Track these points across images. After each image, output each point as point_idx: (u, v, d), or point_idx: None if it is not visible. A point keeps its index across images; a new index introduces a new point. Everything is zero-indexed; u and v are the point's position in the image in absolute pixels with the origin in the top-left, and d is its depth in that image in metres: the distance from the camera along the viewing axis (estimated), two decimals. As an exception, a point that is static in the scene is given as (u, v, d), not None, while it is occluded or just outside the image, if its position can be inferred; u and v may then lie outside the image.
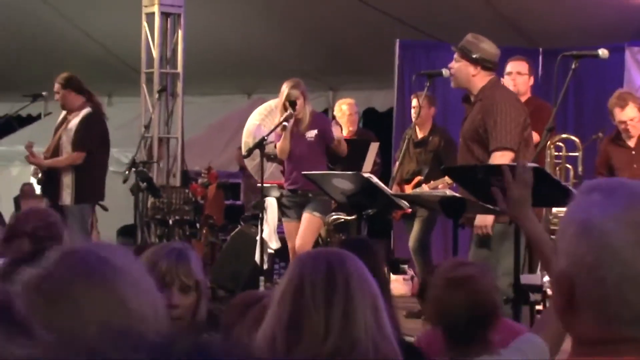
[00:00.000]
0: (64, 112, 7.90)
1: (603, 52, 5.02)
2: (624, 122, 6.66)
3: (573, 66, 4.97)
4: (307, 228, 6.95)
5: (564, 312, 1.48)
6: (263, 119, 8.91)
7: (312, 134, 7.09)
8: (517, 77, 6.71)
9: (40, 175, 7.76)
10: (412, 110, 7.95)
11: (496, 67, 5.57)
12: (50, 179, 7.66)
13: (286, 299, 2.13)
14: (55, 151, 7.69)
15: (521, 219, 3.01)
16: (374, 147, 7.99)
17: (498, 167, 4.84)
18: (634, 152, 6.72)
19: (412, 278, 8.72)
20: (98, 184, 7.78)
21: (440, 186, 7.32)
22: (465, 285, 2.78)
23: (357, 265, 2.21)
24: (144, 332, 1.39)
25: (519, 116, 5.32)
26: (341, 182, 5.49)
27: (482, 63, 5.39)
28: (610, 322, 1.42)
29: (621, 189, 1.47)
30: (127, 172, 8.00)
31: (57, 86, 7.73)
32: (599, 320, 1.43)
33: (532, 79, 6.90)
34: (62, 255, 1.49)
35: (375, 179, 5.30)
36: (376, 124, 11.17)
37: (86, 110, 7.68)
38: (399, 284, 8.46)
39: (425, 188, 7.59)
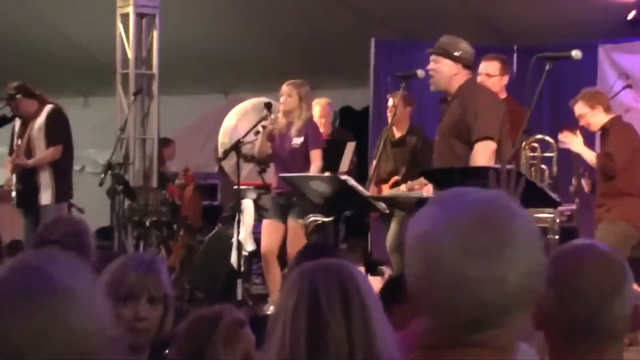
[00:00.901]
0: (18, 122, 7.86)
1: (576, 54, 5.05)
2: (578, 119, 6.89)
3: (547, 67, 4.99)
4: (295, 236, 6.96)
5: (415, 319, 1.55)
6: (239, 119, 8.92)
7: (298, 141, 7.08)
8: (486, 78, 6.67)
9: (15, 183, 7.71)
10: (388, 110, 7.96)
11: (472, 67, 5.63)
12: (26, 183, 7.64)
13: (301, 315, 2.06)
14: (27, 155, 7.68)
15: None
16: (350, 147, 8.00)
17: (474, 170, 4.88)
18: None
19: (389, 277, 8.75)
20: (71, 181, 7.83)
21: (416, 187, 7.35)
22: None
23: (362, 275, 2.19)
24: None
25: (498, 110, 5.38)
26: (318, 185, 5.51)
27: (462, 61, 5.43)
28: (445, 327, 1.49)
29: (455, 199, 1.53)
30: (103, 175, 7.98)
31: (16, 100, 7.65)
32: (436, 326, 1.50)
33: (505, 78, 6.89)
34: (7, 268, 1.46)
35: (352, 181, 5.32)
36: (353, 122, 11.18)
37: (50, 107, 7.73)
38: (376, 283, 8.47)
39: (402, 188, 7.62)
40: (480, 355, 1.48)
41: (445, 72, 5.45)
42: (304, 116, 7.09)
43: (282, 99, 7.11)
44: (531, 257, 1.49)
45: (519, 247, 1.47)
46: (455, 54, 5.42)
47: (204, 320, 2.49)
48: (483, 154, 5.19)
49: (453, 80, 5.45)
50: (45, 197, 7.57)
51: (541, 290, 1.53)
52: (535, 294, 1.51)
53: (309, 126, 7.25)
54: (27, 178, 7.65)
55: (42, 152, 7.66)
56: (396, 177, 7.81)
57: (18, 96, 7.60)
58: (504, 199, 1.54)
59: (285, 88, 7.13)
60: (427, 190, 6.22)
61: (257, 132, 7.14)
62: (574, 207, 7.39)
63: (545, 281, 2.00)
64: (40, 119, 7.67)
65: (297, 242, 7.01)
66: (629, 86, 8.43)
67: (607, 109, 6.89)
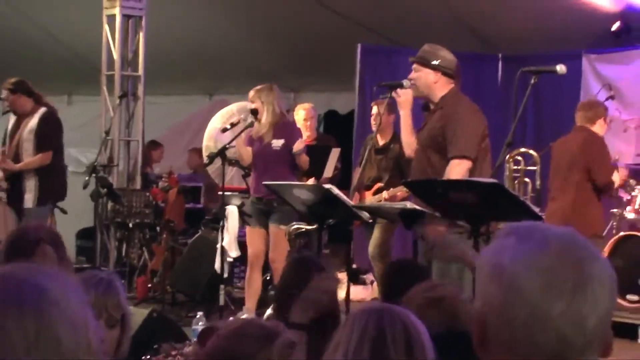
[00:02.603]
0: (13, 118, 7.87)
1: (561, 68, 5.08)
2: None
3: (532, 81, 5.02)
4: (277, 242, 7.07)
5: (479, 349, 1.55)
6: (224, 122, 8.89)
7: (278, 143, 7.15)
8: None
9: (6, 185, 7.74)
10: (372, 118, 8.00)
11: (456, 75, 5.60)
12: (13, 184, 7.66)
13: (365, 348, 2.15)
14: (15, 156, 7.68)
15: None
16: (334, 153, 8.02)
17: (456, 182, 4.92)
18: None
19: (371, 283, 8.78)
20: (60, 184, 7.82)
21: (399, 194, 7.39)
22: (442, 304, 2.83)
23: (423, 326, 2.27)
24: None
25: (478, 127, 5.39)
26: (302, 193, 5.51)
27: (442, 70, 5.47)
28: None
29: (535, 233, 1.53)
30: (87, 178, 7.97)
31: (5, 93, 7.70)
32: (509, 359, 1.50)
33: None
34: None
35: (336, 190, 5.32)
36: (337, 127, 11.21)
37: (43, 110, 7.71)
38: (358, 289, 8.51)
39: (384, 195, 7.65)
40: None
41: (424, 80, 5.50)
42: (269, 118, 7.18)
43: (249, 105, 7.19)
44: (609, 298, 1.50)
45: (600, 287, 1.49)
46: (434, 62, 5.45)
47: (259, 330, 2.43)
48: (456, 172, 5.24)
49: (434, 88, 5.49)
50: (28, 199, 7.59)
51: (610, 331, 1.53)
52: (608, 333, 1.52)
53: (289, 129, 7.33)
54: (13, 180, 7.66)
55: (30, 155, 7.66)
56: (379, 184, 7.84)
57: (8, 97, 7.60)
58: (583, 239, 1.55)
59: (251, 94, 7.23)
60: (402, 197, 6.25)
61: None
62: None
63: None
64: (33, 121, 7.66)
65: (279, 248, 7.08)
66: (611, 97, 8.49)
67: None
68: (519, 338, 1.48)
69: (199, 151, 10.80)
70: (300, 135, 7.42)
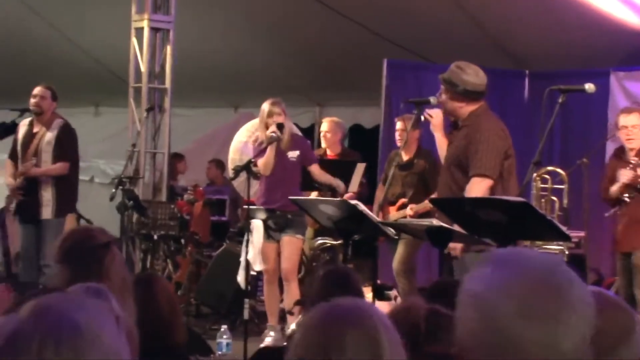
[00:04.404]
0: (26, 122, 7.93)
1: (589, 87, 5.07)
2: (626, 127, 6.67)
3: (560, 100, 5.01)
4: (292, 251, 7.09)
5: None
6: (250, 136, 8.91)
7: (294, 154, 7.24)
8: None
9: (16, 197, 7.78)
10: (397, 133, 7.99)
11: (483, 95, 5.52)
12: (29, 195, 7.70)
13: None
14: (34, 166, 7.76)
15: None
16: (360, 168, 8.01)
17: (484, 200, 4.90)
18: (634, 166, 6.67)
19: (395, 298, 8.73)
20: (75, 196, 7.94)
21: (421, 210, 7.40)
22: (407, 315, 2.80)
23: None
24: None
25: (501, 146, 5.37)
26: (328, 208, 5.51)
27: (466, 95, 5.43)
28: None
29: (512, 261, 1.60)
30: (114, 191, 8.02)
31: (48, 93, 7.78)
32: None
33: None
34: (33, 311, 1.42)
35: (362, 206, 5.32)
36: (362, 141, 11.20)
37: (62, 122, 7.82)
38: (383, 305, 8.46)
39: (408, 212, 7.63)
40: None
41: (449, 104, 5.49)
42: (290, 131, 7.34)
43: (274, 118, 7.16)
44: (585, 325, 1.55)
45: (575, 314, 1.53)
46: (458, 89, 5.40)
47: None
48: (476, 190, 5.26)
49: (459, 110, 5.48)
50: (46, 212, 7.68)
51: (587, 355, 1.57)
52: (584, 358, 1.56)
53: (301, 141, 7.49)
54: (29, 191, 7.72)
55: (49, 165, 7.73)
56: (403, 200, 7.82)
57: (47, 99, 7.71)
58: (563, 265, 1.60)
59: (276, 108, 7.18)
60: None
61: (272, 139, 7.17)
62: (582, 234, 7.38)
63: None
64: (52, 133, 7.75)
65: (293, 256, 7.11)
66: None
67: None
68: None
69: (218, 162, 10.83)
70: (310, 146, 7.64)
